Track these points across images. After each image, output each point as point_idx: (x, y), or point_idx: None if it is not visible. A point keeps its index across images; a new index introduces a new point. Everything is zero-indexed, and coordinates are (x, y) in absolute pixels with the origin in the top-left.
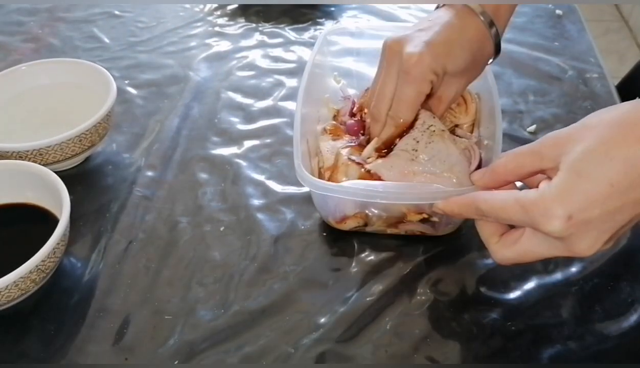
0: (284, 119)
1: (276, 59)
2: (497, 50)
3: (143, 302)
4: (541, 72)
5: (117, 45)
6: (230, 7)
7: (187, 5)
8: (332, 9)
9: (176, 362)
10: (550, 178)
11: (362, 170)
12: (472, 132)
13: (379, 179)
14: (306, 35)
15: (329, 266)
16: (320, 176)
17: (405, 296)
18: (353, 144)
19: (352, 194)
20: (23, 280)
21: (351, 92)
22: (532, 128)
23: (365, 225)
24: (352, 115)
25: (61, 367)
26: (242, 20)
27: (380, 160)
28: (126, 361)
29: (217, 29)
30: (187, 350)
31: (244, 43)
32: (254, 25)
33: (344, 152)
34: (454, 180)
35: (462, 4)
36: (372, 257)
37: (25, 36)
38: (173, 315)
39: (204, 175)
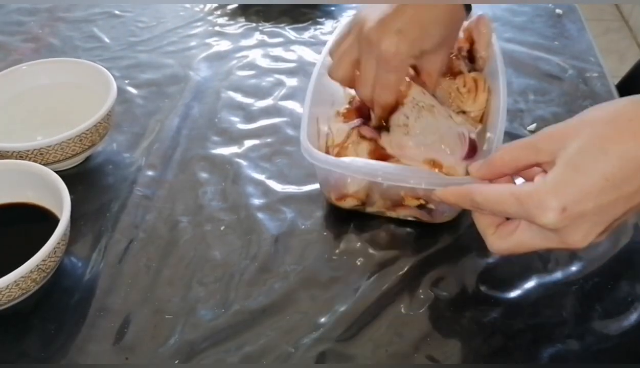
0: (284, 119)
1: (276, 59)
2: (468, 9)
3: (143, 301)
4: (541, 71)
5: (117, 45)
6: (230, 7)
7: (187, 5)
8: (333, 8)
9: (177, 362)
10: (546, 172)
11: (373, 145)
12: (481, 121)
13: (389, 157)
14: (306, 35)
15: (329, 265)
16: (327, 153)
17: (405, 295)
18: (364, 124)
19: (353, 171)
20: (24, 279)
21: None
22: (532, 127)
23: (364, 204)
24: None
25: (61, 367)
26: (242, 19)
27: (384, 136)
28: (127, 360)
29: (217, 28)
30: (187, 350)
31: (244, 43)
32: (254, 24)
33: (355, 130)
34: (448, 151)
35: (463, 4)
36: (372, 256)
37: (25, 36)
38: (173, 315)
39: (204, 175)
